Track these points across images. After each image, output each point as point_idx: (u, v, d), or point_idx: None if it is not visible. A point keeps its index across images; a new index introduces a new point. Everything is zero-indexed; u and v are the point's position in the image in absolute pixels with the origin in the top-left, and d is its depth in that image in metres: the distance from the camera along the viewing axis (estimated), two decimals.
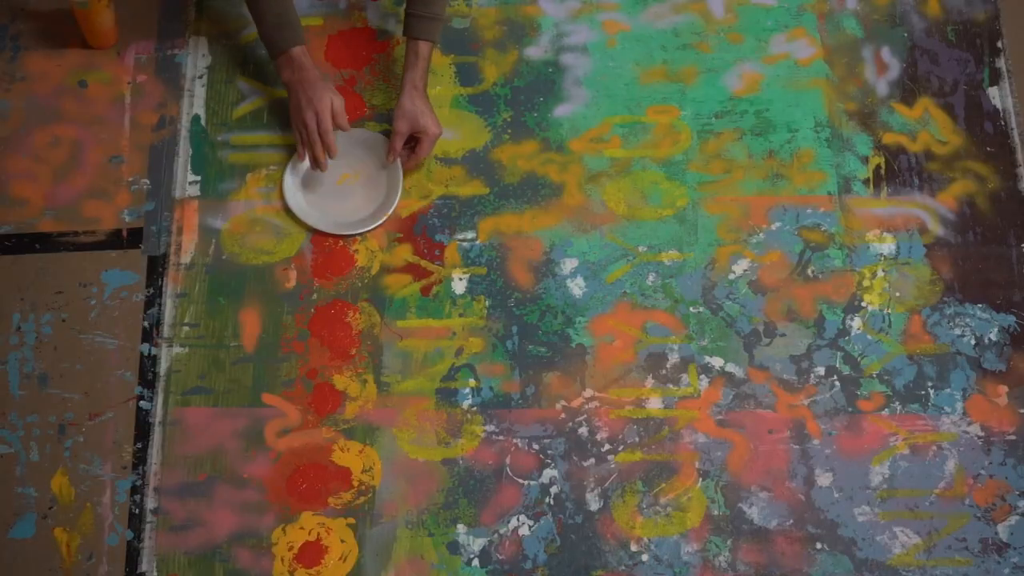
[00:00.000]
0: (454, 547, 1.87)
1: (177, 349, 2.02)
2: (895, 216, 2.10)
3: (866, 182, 2.12)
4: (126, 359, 2.01)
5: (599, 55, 2.23)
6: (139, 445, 1.96)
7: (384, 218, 2.08)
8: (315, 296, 2.05)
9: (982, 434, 1.94)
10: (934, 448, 1.93)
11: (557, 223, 2.10)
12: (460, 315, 2.03)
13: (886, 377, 1.98)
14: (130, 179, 2.13)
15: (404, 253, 2.08)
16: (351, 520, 1.91)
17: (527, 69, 2.23)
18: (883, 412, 1.96)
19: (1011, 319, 2.02)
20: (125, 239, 2.09)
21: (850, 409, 1.96)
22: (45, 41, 2.24)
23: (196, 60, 2.23)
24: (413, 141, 2.11)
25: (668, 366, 1.99)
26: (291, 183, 2.12)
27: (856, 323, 2.02)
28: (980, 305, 2.03)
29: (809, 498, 1.90)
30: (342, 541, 1.89)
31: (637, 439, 1.94)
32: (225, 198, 2.12)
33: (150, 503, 1.90)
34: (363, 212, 2.10)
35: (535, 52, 2.24)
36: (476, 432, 1.95)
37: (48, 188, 2.12)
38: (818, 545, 1.87)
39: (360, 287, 2.05)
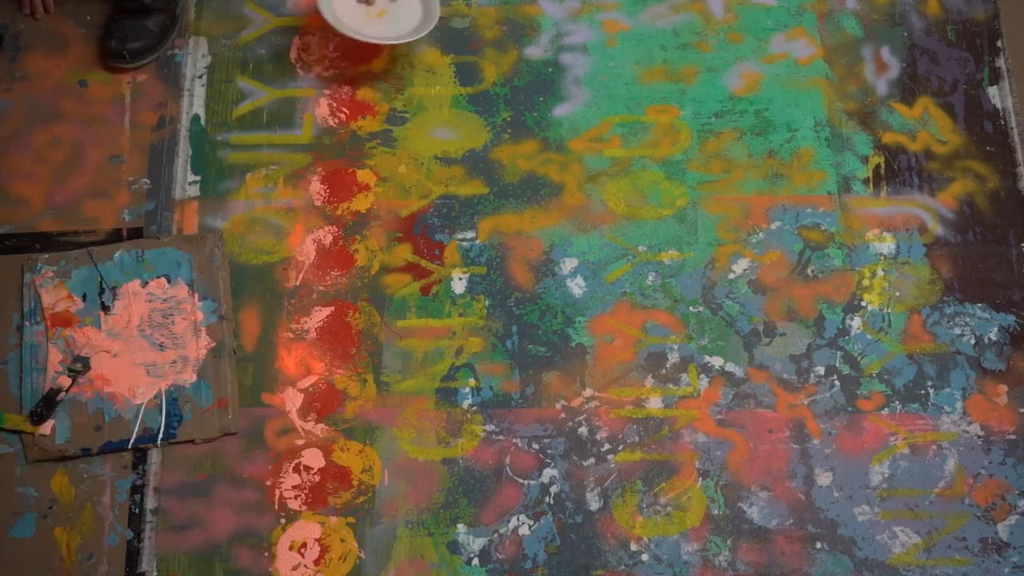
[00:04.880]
0: (454, 547, 1.87)
1: None
2: (895, 216, 2.10)
3: (866, 181, 2.12)
4: None
5: (599, 55, 2.23)
6: None
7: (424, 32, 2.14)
8: (315, 296, 2.05)
9: (982, 433, 1.94)
10: (934, 447, 1.93)
11: (557, 223, 2.10)
12: (460, 315, 2.03)
13: (886, 377, 1.98)
14: (130, 179, 2.13)
15: (404, 253, 2.08)
16: (351, 520, 1.91)
17: (527, 69, 2.23)
18: (883, 412, 1.95)
19: (1011, 319, 2.02)
20: (125, 239, 2.08)
21: (850, 409, 1.96)
22: (45, 41, 2.24)
23: (196, 60, 2.23)
24: None
25: (668, 366, 1.99)
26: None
27: (856, 323, 2.02)
28: (980, 304, 2.03)
29: (809, 498, 1.90)
30: (342, 541, 1.89)
31: (637, 439, 1.94)
32: (225, 198, 2.12)
33: (150, 503, 1.90)
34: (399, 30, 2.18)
35: (535, 52, 2.24)
36: (476, 432, 1.95)
37: (48, 188, 2.12)
38: (818, 544, 1.87)
39: (360, 287, 2.05)
